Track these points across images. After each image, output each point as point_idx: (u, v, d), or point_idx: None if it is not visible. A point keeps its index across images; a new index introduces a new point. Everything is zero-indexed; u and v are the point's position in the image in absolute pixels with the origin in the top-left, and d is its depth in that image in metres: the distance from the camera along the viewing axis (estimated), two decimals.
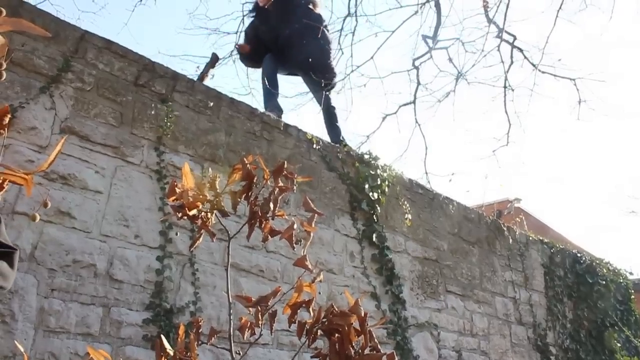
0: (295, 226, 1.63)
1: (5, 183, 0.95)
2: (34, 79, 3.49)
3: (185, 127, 4.01)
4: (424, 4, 7.53)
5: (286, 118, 5.08)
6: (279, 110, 5.14)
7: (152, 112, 3.86)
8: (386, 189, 5.22)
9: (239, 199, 1.59)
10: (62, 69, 3.58)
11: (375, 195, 5.07)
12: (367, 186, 5.02)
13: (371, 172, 5.17)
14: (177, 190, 1.66)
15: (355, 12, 7.54)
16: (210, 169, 3.92)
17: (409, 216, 5.35)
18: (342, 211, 4.79)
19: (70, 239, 3.44)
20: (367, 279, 4.85)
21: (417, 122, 8.43)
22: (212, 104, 4.17)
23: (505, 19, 7.28)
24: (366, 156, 5.24)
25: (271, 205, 1.60)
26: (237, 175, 1.61)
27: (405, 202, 5.40)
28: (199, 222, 1.66)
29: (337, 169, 4.86)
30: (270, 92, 5.31)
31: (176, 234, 3.72)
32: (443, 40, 8.19)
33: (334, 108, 5.68)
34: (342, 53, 7.79)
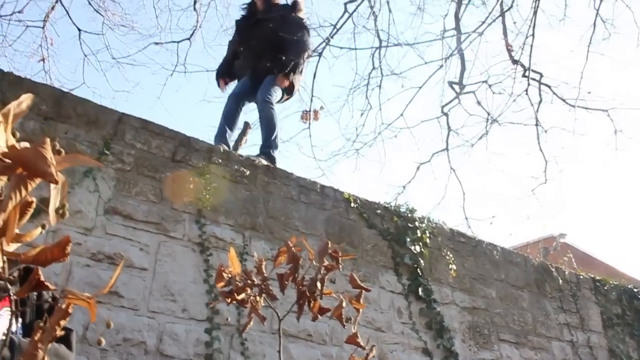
0: (344, 304, 1.63)
1: (70, 307, 0.97)
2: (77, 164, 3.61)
3: (225, 198, 4.07)
4: (448, 57, 7.61)
5: (323, 180, 5.08)
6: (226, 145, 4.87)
7: (191, 186, 3.94)
8: (428, 241, 5.17)
9: (287, 282, 1.60)
10: (103, 152, 3.71)
11: (418, 248, 5.02)
12: (408, 240, 4.98)
13: (409, 224, 5.14)
14: (225, 276, 1.68)
15: (380, 65, 7.64)
16: (251, 239, 3.96)
17: (454, 266, 5.27)
18: (385, 267, 4.75)
19: (119, 318, 3.49)
20: (416, 334, 4.75)
21: (451, 168, 8.39)
22: (248, 172, 4.24)
23: (530, 59, 7.29)
24: (402, 209, 5.22)
25: (318, 285, 1.61)
26: (283, 257, 1.62)
27: (448, 252, 5.33)
28: (249, 306, 1.67)
29: (376, 225, 4.85)
30: (223, 130, 5.13)
31: (227, 319, 3.73)
32: (470, 84, 8.21)
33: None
34: (371, 107, 7.87)
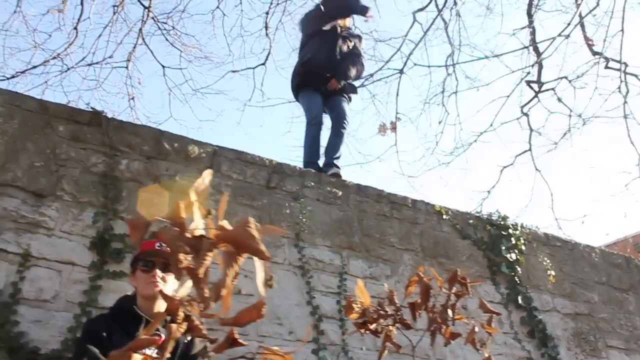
0: (476, 329, 1.65)
1: None
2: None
3: (320, 219, 4.16)
4: (524, 48, 7.45)
5: (409, 192, 5.08)
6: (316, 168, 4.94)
7: (287, 211, 4.05)
8: (523, 248, 5.07)
9: (420, 311, 1.64)
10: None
11: (513, 255, 4.94)
12: (503, 248, 4.91)
13: (503, 232, 5.06)
14: (356, 307, 1.74)
15: (454, 71, 7.58)
16: (349, 258, 4.02)
17: (552, 272, 5.14)
18: (482, 278, 4.70)
19: None
20: (519, 344, 4.66)
21: (536, 169, 8.19)
22: (340, 193, 4.31)
23: (620, 52, 7.02)
24: (494, 217, 5.15)
25: (449, 312, 1.64)
26: (413, 287, 1.66)
27: (545, 258, 5.21)
28: (382, 335, 1.71)
29: (470, 235, 4.81)
30: (313, 154, 5.18)
31: (361, 349, 3.80)
32: (548, 81, 8.00)
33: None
34: (448, 113, 7.81)
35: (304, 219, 4.07)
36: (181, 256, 0.94)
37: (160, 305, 2.71)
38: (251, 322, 1.04)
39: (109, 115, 3.91)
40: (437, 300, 1.70)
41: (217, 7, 8.08)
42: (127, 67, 7.96)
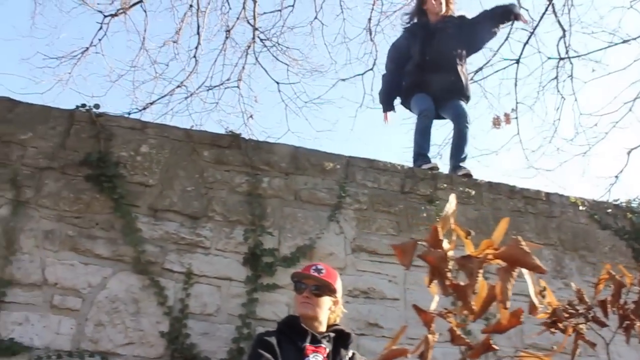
0: None
1: None
2: (321, 211, 3.95)
3: (456, 220, 4.18)
4: None
5: (532, 182, 4.98)
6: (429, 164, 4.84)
7: (424, 215, 4.12)
8: None
9: (612, 308, 1.65)
10: (340, 195, 4.01)
11: None
12: None
13: None
14: (540, 307, 1.77)
15: (567, 53, 7.32)
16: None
17: None
18: (628, 269, 4.51)
19: (382, 348, 3.71)
20: None
21: None
22: (473, 192, 4.32)
23: None
24: (634, 204, 4.95)
25: None
26: (602, 285, 1.68)
27: None
28: (572, 334, 1.74)
29: (610, 225, 4.65)
30: (424, 150, 5.11)
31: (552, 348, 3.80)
32: None
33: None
34: (564, 99, 7.56)
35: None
36: (448, 274, 1.04)
37: (320, 323, 2.95)
38: (511, 329, 1.11)
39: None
40: (628, 297, 1.71)
41: (315, 17, 8.26)
42: (238, 87, 8.33)
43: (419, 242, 1.13)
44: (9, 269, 3.34)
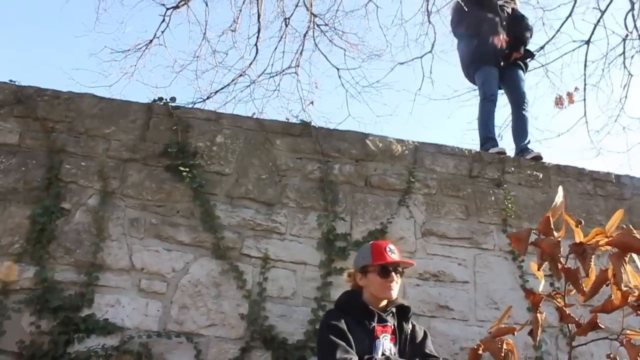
0: None
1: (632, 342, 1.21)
2: (391, 196, 4.04)
3: (524, 203, 4.21)
4: None
5: (597, 161, 4.92)
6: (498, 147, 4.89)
7: (492, 198, 4.15)
8: None
9: None
10: (409, 181, 4.09)
11: None
12: None
13: None
14: (627, 289, 1.82)
15: (635, 27, 7.10)
16: None
17: None
18: None
19: (453, 330, 3.80)
20: None
21: None
22: (541, 175, 4.32)
23: None
24: None
25: None
26: None
27: None
28: None
29: None
30: (491, 132, 5.13)
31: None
32: None
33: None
34: (632, 76, 7.36)
35: (509, 204, 4.14)
36: (560, 260, 1.12)
37: (389, 300, 2.94)
38: (617, 309, 1.18)
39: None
40: None
41: (370, 0, 8.26)
42: (296, 73, 8.46)
43: (532, 231, 1.21)
44: (100, 254, 3.57)
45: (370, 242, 3.14)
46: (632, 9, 6.96)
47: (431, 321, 3.78)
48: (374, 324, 2.81)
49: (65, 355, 3.28)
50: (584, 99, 6.75)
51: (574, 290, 1.23)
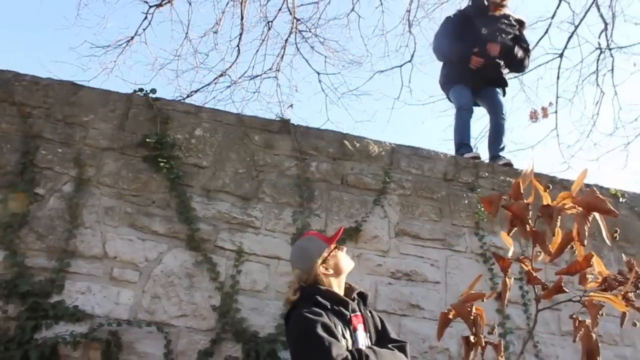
0: None
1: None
2: (366, 195, 4.09)
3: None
4: None
5: (569, 173, 5.03)
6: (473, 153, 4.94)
7: (466, 202, 4.22)
8: None
9: None
10: (385, 181, 4.14)
11: None
12: None
13: None
14: (591, 277, 1.88)
15: (608, 46, 7.30)
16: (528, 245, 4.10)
17: None
18: None
19: (423, 328, 3.84)
20: None
21: None
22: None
23: None
24: None
25: None
26: None
27: None
28: (622, 301, 1.84)
29: None
30: (466, 140, 5.21)
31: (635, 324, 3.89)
32: None
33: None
34: (603, 93, 7.55)
35: (482, 208, 4.21)
36: (529, 222, 1.16)
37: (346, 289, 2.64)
38: (579, 272, 1.23)
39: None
40: None
41: (352, 9, 8.39)
42: (276, 77, 8.50)
43: (503, 197, 1.25)
44: (72, 241, 3.54)
45: (304, 238, 2.79)
46: (606, 28, 7.16)
47: (402, 319, 3.81)
48: (349, 314, 2.53)
49: (32, 341, 3.24)
50: (556, 112, 6.91)
51: (541, 256, 1.28)
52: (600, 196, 1.13)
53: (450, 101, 5.68)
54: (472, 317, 1.36)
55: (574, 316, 1.37)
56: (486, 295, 1.40)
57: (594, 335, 1.32)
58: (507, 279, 1.30)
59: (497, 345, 1.50)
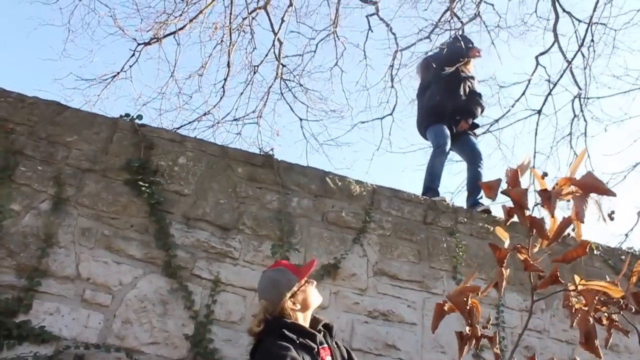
0: None
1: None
2: (346, 233, 4.09)
3: (474, 253, 4.32)
4: None
5: None
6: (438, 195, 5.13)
7: (444, 245, 4.25)
8: None
9: None
10: (365, 220, 4.15)
11: None
12: None
13: None
14: (574, 300, 1.89)
15: (582, 112, 7.57)
16: (505, 291, 4.12)
17: None
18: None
19: None
20: None
21: None
22: (491, 228, 4.46)
23: None
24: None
25: None
26: (635, 277, 1.81)
27: None
28: (606, 322, 1.85)
29: (622, 271, 4.75)
30: (436, 183, 5.35)
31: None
32: None
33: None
34: (576, 155, 7.75)
35: (460, 253, 4.24)
36: (527, 207, 1.18)
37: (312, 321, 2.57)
38: (577, 259, 1.24)
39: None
40: None
41: (336, 64, 8.61)
42: (257, 123, 8.58)
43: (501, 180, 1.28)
44: (45, 260, 3.45)
45: (274, 269, 2.70)
46: (579, 95, 7.43)
47: (377, 359, 3.75)
48: (317, 347, 2.44)
49: None
50: (532, 166, 7.05)
51: (538, 247, 1.29)
52: (597, 177, 1.15)
53: (426, 139, 5.84)
54: (467, 308, 1.36)
55: (569, 304, 1.38)
56: (481, 288, 1.40)
57: (590, 319, 1.33)
58: (502, 269, 1.30)
59: (492, 338, 1.49)
